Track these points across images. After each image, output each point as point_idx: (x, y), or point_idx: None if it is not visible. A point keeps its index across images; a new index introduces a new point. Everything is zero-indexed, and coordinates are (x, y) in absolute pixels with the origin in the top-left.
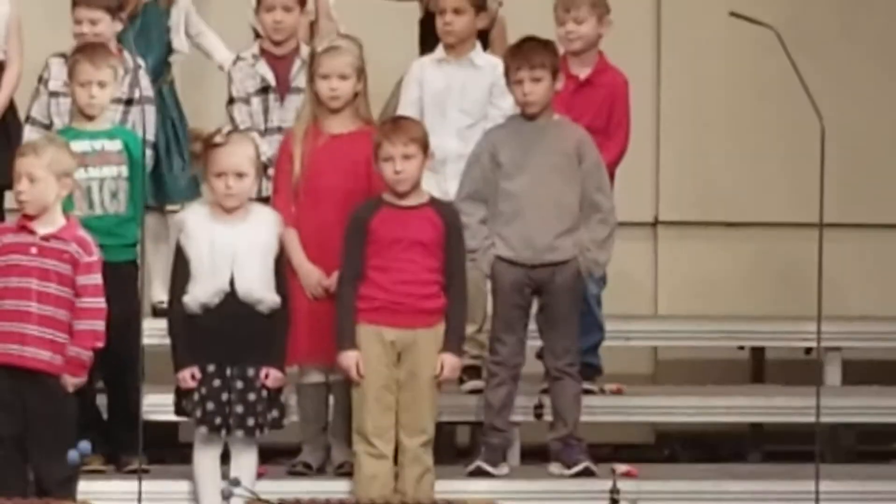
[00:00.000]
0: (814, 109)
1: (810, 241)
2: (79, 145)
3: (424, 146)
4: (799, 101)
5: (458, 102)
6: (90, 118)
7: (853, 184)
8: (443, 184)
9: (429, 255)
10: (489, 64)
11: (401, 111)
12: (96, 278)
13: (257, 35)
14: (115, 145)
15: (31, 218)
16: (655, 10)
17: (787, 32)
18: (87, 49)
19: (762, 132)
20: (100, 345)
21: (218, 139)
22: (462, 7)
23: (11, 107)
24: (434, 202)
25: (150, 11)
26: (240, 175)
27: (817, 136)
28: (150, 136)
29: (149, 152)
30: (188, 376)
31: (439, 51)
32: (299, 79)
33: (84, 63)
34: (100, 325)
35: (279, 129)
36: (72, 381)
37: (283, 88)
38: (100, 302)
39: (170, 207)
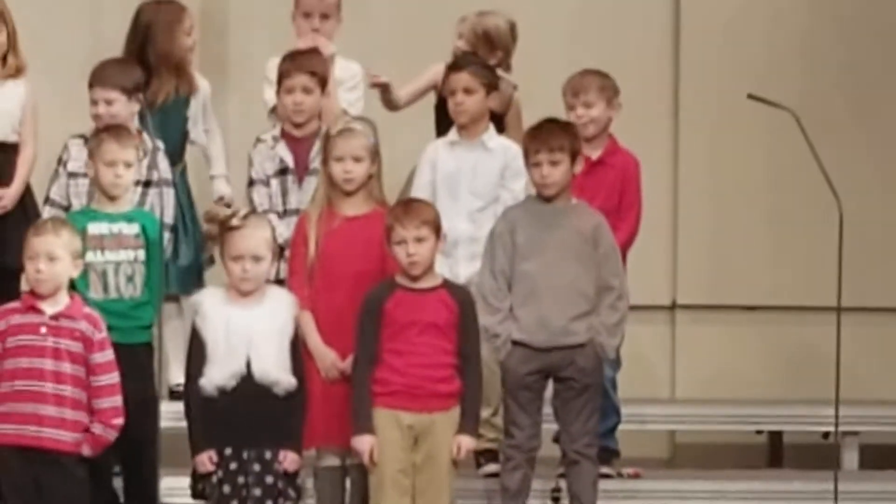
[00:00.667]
0: (832, 192)
1: (828, 324)
2: (96, 227)
3: (437, 229)
4: (817, 183)
5: (469, 185)
6: (112, 199)
7: (871, 267)
8: (454, 267)
9: (444, 337)
10: (501, 146)
11: (414, 193)
12: (109, 354)
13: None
14: (133, 228)
15: (37, 297)
16: (673, 92)
17: (805, 115)
18: (112, 129)
19: (780, 215)
20: (121, 421)
21: (235, 222)
22: (472, 87)
23: (29, 190)
24: (448, 284)
25: (172, 105)
26: (256, 259)
27: (835, 219)
28: (168, 219)
29: (167, 235)
30: (206, 459)
31: (452, 133)
32: (318, 160)
33: (110, 143)
34: (119, 400)
35: (297, 211)
36: (86, 452)
37: (302, 170)
38: (116, 377)
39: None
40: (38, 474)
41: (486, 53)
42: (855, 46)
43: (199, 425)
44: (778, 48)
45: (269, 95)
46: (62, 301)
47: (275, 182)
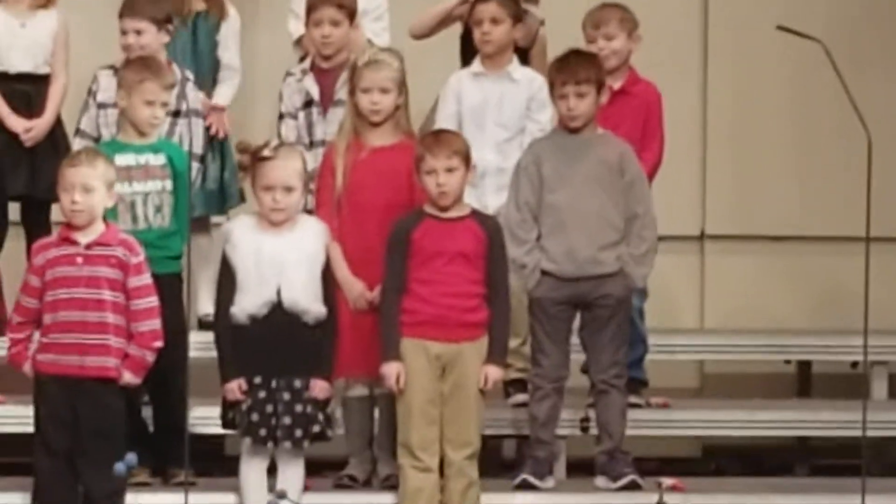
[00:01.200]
0: (860, 122)
1: (857, 254)
2: (123, 159)
3: (467, 159)
4: (846, 114)
5: (495, 116)
6: (142, 134)
7: None
8: (482, 198)
9: (472, 267)
10: (526, 77)
11: (439, 124)
12: (147, 278)
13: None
14: (160, 159)
15: (72, 228)
16: (702, 24)
17: (834, 45)
18: (153, 67)
19: (809, 145)
20: (160, 344)
21: (266, 153)
22: (499, 17)
23: (58, 120)
24: (476, 214)
25: (200, 25)
26: (288, 189)
27: (864, 150)
28: (197, 149)
29: (196, 165)
30: (236, 388)
31: (476, 64)
32: (343, 91)
33: (153, 82)
34: (157, 323)
35: (323, 143)
36: (129, 379)
37: (327, 102)
38: (154, 301)
39: (215, 220)
40: (77, 404)
41: None
42: None
43: (228, 354)
44: None
45: (294, 27)
46: (97, 230)
47: (301, 114)
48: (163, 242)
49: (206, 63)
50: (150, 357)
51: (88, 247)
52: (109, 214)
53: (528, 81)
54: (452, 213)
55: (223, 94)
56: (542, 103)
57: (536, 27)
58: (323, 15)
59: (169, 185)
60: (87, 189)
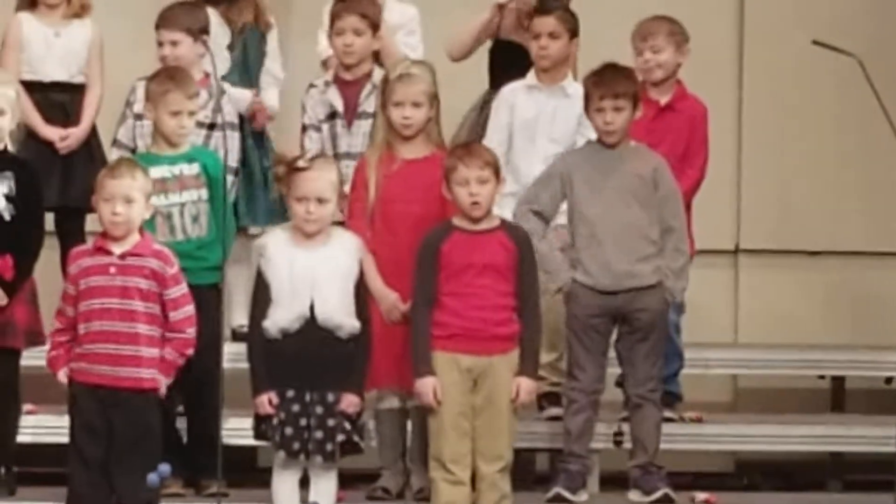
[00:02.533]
0: (895, 136)
1: (891, 269)
2: (158, 171)
3: (497, 171)
4: (880, 129)
5: (547, 131)
6: (173, 145)
7: None
8: None
9: (502, 279)
10: (579, 93)
11: (490, 134)
12: (183, 287)
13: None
14: (194, 169)
15: (107, 239)
16: (738, 39)
17: (870, 61)
18: (177, 77)
19: (843, 160)
20: (191, 351)
21: (301, 163)
22: (557, 31)
23: (95, 132)
24: (505, 225)
25: (250, 36)
26: (321, 201)
27: None
28: (233, 162)
29: (230, 178)
30: (266, 402)
31: (531, 77)
32: (367, 103)
33: (176, 92)
34: (193, 332)
35: (347, 155)
36: (162, 380)
37: (351, 114)
38: (190, 310)
39: (252, 231)
40: (111, 415)
41: None
42: None
43: (261, 367)
44: None
45: (323, 46)
46: (132, 240)
47: (325, 127)
48: (201, 253)
49: (256, 74)
50: (181, 361)
51: (122, 257)
52: (148, 226)
53: (581, 97)
54: (482, 226)
55: (272, 96)
56: None
57: None
58: (346, 24)
59: (205, 193)
60: (128, 200)
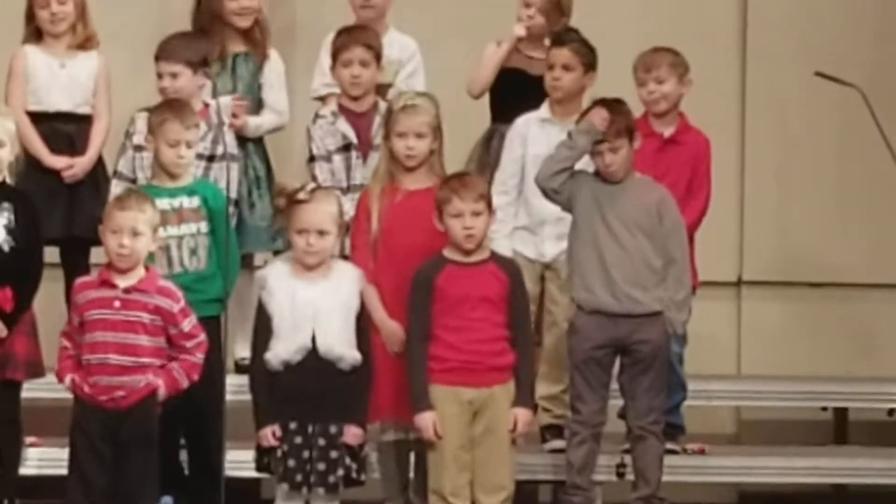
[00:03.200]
0: None
1: (894, 301)
2: (158, 203)
3: (489, 203)
4: (883, 160)
5: None
6: (173, 176)
7: None
8: (540, 245)
9: (496, 310)
10: None
11: (503, 167)
12: (193, 319)
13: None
14: (194, 202)
15: (112, 271)
16: (740, 70)
17: (872, 92)
18: (175, 107)
19: (846, 192)
20: (196, 377)
21: (302, 196)
22: (571, 64)
23: (101, 162)
24: (496, 257)
25: (240, 66)
26: (321, 233)
27: None
28: (233, 194)
29: (231, 209)
30: (269, 434)
31: (544, 109)
32: (380, 136)
33: (174, 122)
34: (202, 357)
35: (362, 187)
36: (160, 390)
37: (366, 146)
38: (203, 338)
39: (256, 263)
40: (116, 435)
41: (555, 21)
42: None
43: (263, 399)
44: (845, 25)
45: (319, 83)
46: (137, 274)
47: (338, 158)
48: (199, 286)
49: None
50: (184, 383)
51: (127, 291)
52: (147, 258)
53: None
54: (474, 258)
55: (255, 119)
56: None
57: None
58: (353, 55)
59: (204, 226)
60: (136, 233)
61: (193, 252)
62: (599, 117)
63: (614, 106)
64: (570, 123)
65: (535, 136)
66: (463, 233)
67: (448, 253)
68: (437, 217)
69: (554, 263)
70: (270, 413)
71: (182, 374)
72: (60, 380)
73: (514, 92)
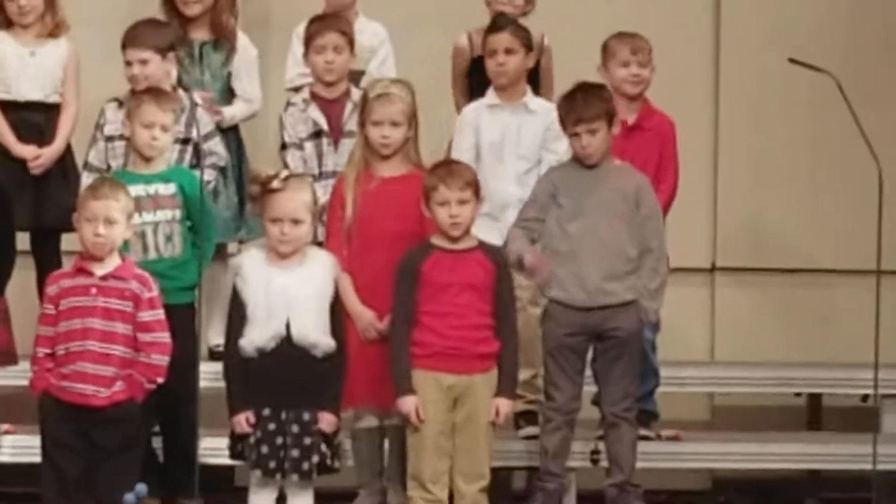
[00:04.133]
0: (871, 154)
1: (868, 287)
2: (133, 189)
3: (477, 191)
4: (857, 146)
5: (514, 149)
6: (147, 160)
7: None
8: (503, 230)
9: (480, 298)
10: (542, 108)
11: (456, 156)
12: (159, 314)
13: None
14: (169, 188)
15: (87, 260)
16: (714, 57)
17: (846, 78)
18: (152, 91)
19: (820, 178)
20: (160, 380)
21: (275, 184)
22: (513, 47)
23: (69, 151)
24: (483, 245)
25: (208, 55)
26: (295, 222)
27: (875, 182)
28: (208, 176)
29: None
30: (243, 420)
31: (491, 95)
32: (351, 122)
33: (150, 104)
34: (163, 359)
35: (334, 174)
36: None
37: (337, 133)
38: (164, 337)
39: (230, 249)
40: (90, 431)
41: (528, 2)
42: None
43: (237, 386)
44: (819, 11)
45: (292, 73)
46: (113, 262)
47: (309, 145)
48: (174, 273)
49: (217, 93)
50: (149, 386)
51: (104, 278)
52: (122, 246)
53: (545, 112)
54: (461, 245)
55: (226, 110)
56: (558, 133)
57: (540, 39)
58: (326, 41)
59: (179, 213)
60: (110, 221)
61: (169, 238)
62: (541, 270)
63: (594, 90)
64: (519, 105)
65: (487, 122)
66: (449, 220)
67: (435, 240)
68: (424, 204)
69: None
70: (244, 399)
71: (142, 378)
72: (34, 389)
73: (487, 78)
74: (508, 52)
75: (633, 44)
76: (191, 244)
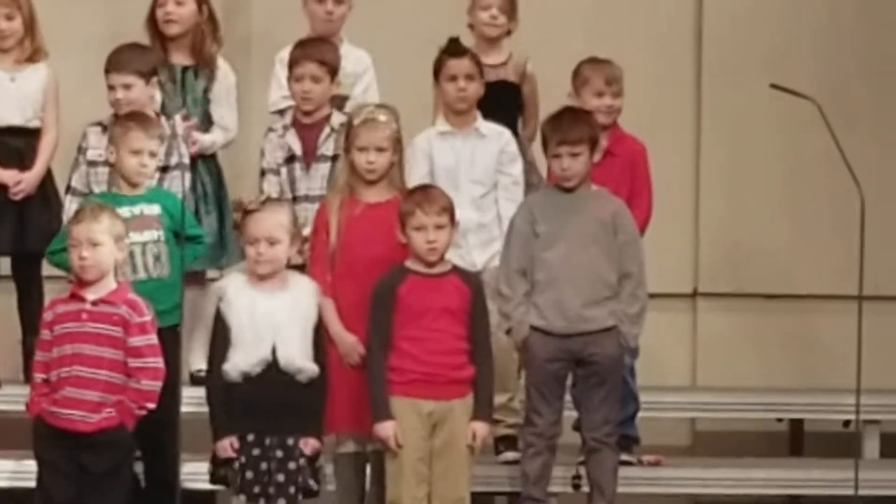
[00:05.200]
0: (853, 180)
1: (849, 313)
2: (119, 211)
3: (453, 215)
4: (838, 172)
5: (469, 174)
6: (134, 186)
7: (892, 256)
8: (467, 255)
9: (457, 322)
10: (494, 132)
11: (412, 184)
12: (151, 339)
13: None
14: (154, 209)
15: (82, 285)
16: (696, 82)
17: (827, 104)
18: (137, 117)
19: (802, 204)
20: (151, 406)
21: (252, 206)
22: (473, 73)
23: (50, 175)
24: (458, 270)
25: (189, 78)
26: (271, 242)
27: (856, 208)
28: (189, 202)
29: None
30: (227, 445)
31: (441, 122)
32: (326, 146)
33: (137, 131)
34: (154, 385)
35: (306, 198)
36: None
37: (310, 157)
38: (155, 362)
39: (210, 275)
40: (81, 457)
41: (511, 20)
42: (876, 35)
43: (220, 411)
44: (799, 37)
45: (275, 98)
46: (107, 287)
47: (283, 170)
48: (160, 295)
49: (198, 119)
50: (139, 412)
51: (95, 303)
52: None
53: (497, 135)
54: (437, 269)
55: (206, 138)
56: (512, 156)
57: (523, 64)
58: (305, 71)
59: (164, 234)
60: (94, 243)
61: (157, 258)
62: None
63: (581, 115)
64: (471, 131)
65: (439, 149)
66: (426, 246)
67: (410, 264)
68: (400, 229)
69: (484, 273)
70: (227, 424)
71: (132, 405)
72: (30, 413)
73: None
74: (469, 77)
75: (607, 73)
76: (177, 266)
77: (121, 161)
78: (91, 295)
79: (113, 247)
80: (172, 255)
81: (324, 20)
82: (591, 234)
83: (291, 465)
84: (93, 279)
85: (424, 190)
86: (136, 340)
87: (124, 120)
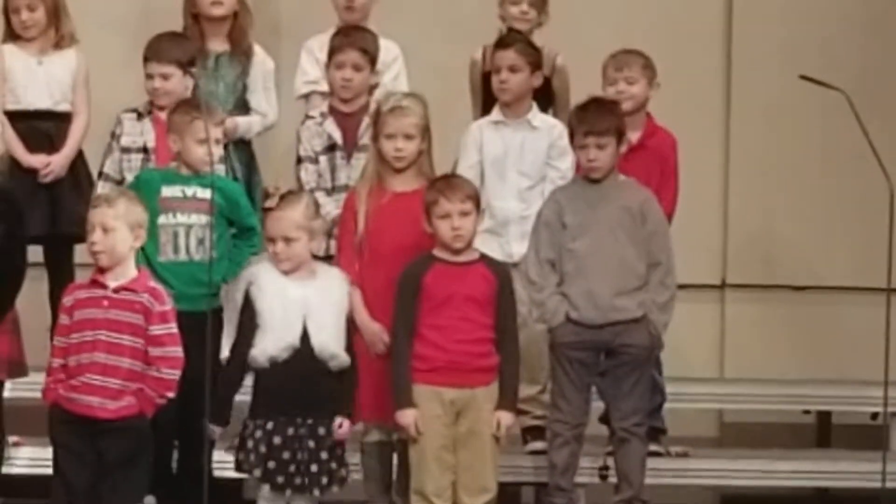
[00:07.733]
0: (882, 172)
1: (878, 305)
2: (170, 190)
3: (478, 203)
4: (868, 163)
5: (517, 165)
6: (198, 173)
7: None
8: (506, 246)
9: (482, 311)
10: (547, 124)
11: (461, 173)
12: (171, 328)
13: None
14: (208, 193)
15: (103, 272)
16: (725, 73)
17: (857, 95)
18: (199, 105)
19: (831, 195)
20: (170, 395)
21: (268, 203)
22: (517, 65)
23: (82, 159)
24: (485, 258)
25: (223, 64)
26: (287, 240)
27: (886, 200)
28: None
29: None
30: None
31: (496, 112)
32: (367, 136)
33: (201, 120)
34: (173, 374)
35: (346, 188)
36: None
37: (350, 146)
38: (175, 351)
39: None
40: (99, 443)
41: (541, 13)
42: None
43: (228, 395)
44: (830, 28)
45: (300, 84)
46: (128, 274)
47: (323, 159)
48: (203, 278)
49: (230, 104)
50: (160, 400)
51: (116, 291)
52: (149, 246)
53: (549, 128)
54: (463, 258)
55: (242, 120)
56: (562, 150)
57: (554, 57)
58: (346, 58)
59: (214, 220)
60: (106, 229)
61: (201, 242)
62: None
63: (608, 105)
64: (523, 122)
65: (490, 139)
66: (451, 233)
67: (437, 252)
68: (426, 219)
69: (521, 263)
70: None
71: (153, 393)
72: (46, 399)
73: None
74: (512, 69)
75: (620, 61)
76: (222, 248)
77: (187, 150)
78: (112, 282)
79: (127, 234)
80: (220, 239)
81: (344, 7)
82: (619, 223)
83: (315, 454)
84: (106, 265)
85: (447, 178)
86: (156, 329)
87: (186, 108)
